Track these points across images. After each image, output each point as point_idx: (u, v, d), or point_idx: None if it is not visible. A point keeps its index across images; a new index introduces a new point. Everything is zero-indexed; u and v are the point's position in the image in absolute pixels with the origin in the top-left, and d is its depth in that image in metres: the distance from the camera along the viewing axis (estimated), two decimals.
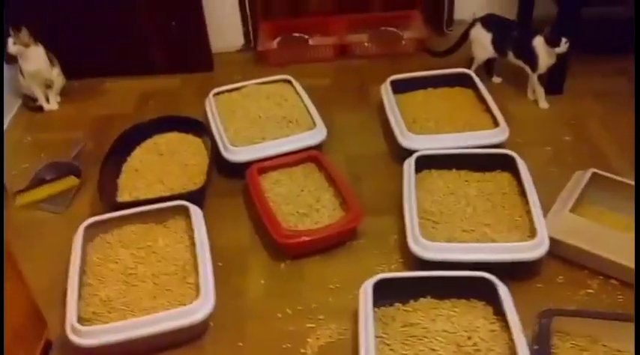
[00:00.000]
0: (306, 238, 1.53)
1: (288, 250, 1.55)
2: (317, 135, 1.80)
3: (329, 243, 1.57)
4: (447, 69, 2.02)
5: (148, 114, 2.09)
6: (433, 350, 1.23)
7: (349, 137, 1.93)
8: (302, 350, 1.36)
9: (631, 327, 1.22)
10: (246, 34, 2.40)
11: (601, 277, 1.43)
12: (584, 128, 1.90)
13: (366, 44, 2.30)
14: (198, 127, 1.94)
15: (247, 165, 1.75)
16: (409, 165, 1.64)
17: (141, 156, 1.89)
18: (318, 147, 1.81)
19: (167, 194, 1.71)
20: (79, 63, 2.28)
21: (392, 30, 2.38)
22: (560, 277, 1.45)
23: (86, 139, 2.02)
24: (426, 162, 1.67)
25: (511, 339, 1.22)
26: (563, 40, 1.84)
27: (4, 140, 2.05)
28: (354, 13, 2.38)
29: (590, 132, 1.88)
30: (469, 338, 1.24)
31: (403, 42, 2.31)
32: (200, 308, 1.35)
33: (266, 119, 1.88)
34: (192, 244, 1.56)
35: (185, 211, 1.62)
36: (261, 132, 1.83)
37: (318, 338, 1.38)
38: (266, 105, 1.93)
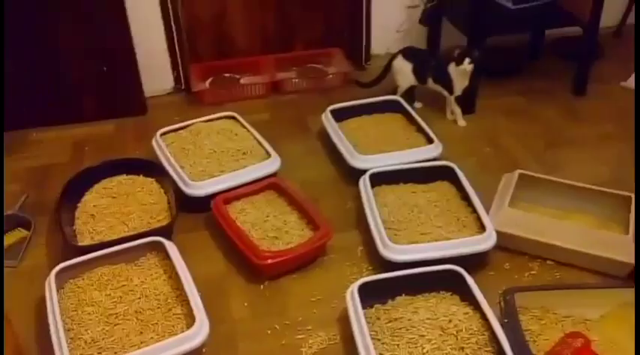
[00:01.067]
0: (285, 257, 1.68)
1: (267, 271, 1.69)
2: (273, 163, 1.97)
3: (304, 261, 1.73)
4: (375, 97, 2.28)
5: (86, 161, 2.15)
6: (422, 336, 1.43)
7: (299, 165, 2.11)
8: None
9: (573, 295, 1.51)
10: (176, 77, 2.53)
11: (539, 260, 1.72)
12: (499, 140, 2.23)
13: (295, 80, 2.52)
14: (149, 167, 2.03)
15: (208, 199, 1.87)
16: (364, 182, 1.86)
17: (93, 201, 1.94)
18: (274, 175, 1.98)
19: (133, 234, 1.77)
20: (5, 114, 2.27)
21: (317, 66, 2.62)
22: (507, 264, 1.72)
23: (27, 191, 2.04)
24: (377, 179, 1.89)
25: (484, 318, 1.45)
26: (467, 59, 2.16)
27: None
28: (280, 52, 2.60)
29: (504, 143, 2.21)
30: (450, 321, 1.45)
31: (329, 76, 2.55)
32: (198, 333, 1.45)
33: (221, 153, 2.02)
34: (170, 278, 1.65)
35: (156, 247, 1.71)
36: (219, 166, 1.97)
37: (310, 347, 1.53)
38: (217, 140, 2.07)
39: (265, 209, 1.86)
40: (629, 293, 1.50)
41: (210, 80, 2.56)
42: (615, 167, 2.07)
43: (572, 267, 1.68)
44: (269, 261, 1.66)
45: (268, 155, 2.00)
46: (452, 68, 2.20)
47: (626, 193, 1.76)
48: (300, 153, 2.17)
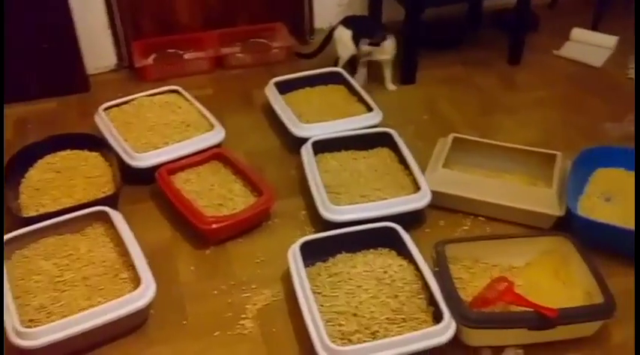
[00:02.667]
0: (229, 222, 1.80)
1: (212, 236, 1.82)
2: (217, 134, 2.09)
3: (248, 225, 1.86)
4: (319, 69, 2.42)
5: (30, 138, 2.22)
6: (359, 286, 1.58)
7: (244, 136, 2.24)
8: (243, 316, 1.63)
9: (500, 245, 1.67)
10: (118, 54, 2.62)
11: (472, 216, 1.89)
12: (437, 108, 2.39)
13: (239, 55, 2.63)
14: (93, 142, 2.12)
15: (152, 170, 1.98)
16: (307, 149, 2.00)
17: (37, 176, 2.03)
18: (218, 146, 2.09)
19: (78, 204, 1.86)
20: None
21: (261, 41, 2.73)
22: (442, 221, 1.88)
23: None
24: (319, 147, 2.03)
25: (417, 269, 1.61)
26: (365, 41, 2.33)
27: None
28: (223, 28, 2.70)
29: (441, 111, 2.38)
30: (385, 272, 1.61)
31: (273, 50, 2.67)
32: (143, 295, 1.56)
33: (164, 125, 2.13)
34: (117, 245, 1.76)
35: (102, 217, 1.81)
36: (163, 138, 2.08)
37: (255, 304, 1.66)
38: (161, 113, 2.18)
39: (210, 179, 1.99)
40: (551, 242, 1.68)
41: (153, 56, 2.65)
42: (545, 130, 2.26)
43: (502, 222, 1.85)
44: (213, 226, 1.79)
45: (212, 126, 2.11)
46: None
47: (551, 151, 1.93)
48: (244, 125, 2.30)
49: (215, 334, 1.57)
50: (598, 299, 1.50)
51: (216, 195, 1.92)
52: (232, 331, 1.58)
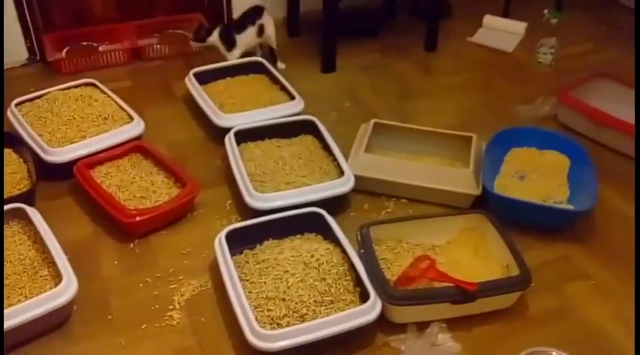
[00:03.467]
0: (152, 214, 1.77)
1: (136, 229, 1.78)
2: (136, 127, 2.05)
3: (173, 217, 1.84)
4: (239, 59, 2.41)
5: None
6: (286, 271, 1.59)
7: (165, 128, 2.20)
8: (170, 307, 1.61)
9: (422, 224, 1.72)
10: (30, 48, 2.51)
11: (394, 199, 1.93)
12: (358, 95, 2.43)
13: (157, 46, 2.58)
14: (5, 138, 2.02)
15: (70, 165, 1.92)
16: (229, 139, 1.98)
17: None
18: (138, 139, 2.05)
19: None
20: None
21: (179, 32, 2.70)
22: (366, 205, 1.92)
23: None
24: (243, 136, 2.03)
25: (344, 252, 1.64)
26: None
27: None
28: (139, 19, 2.65)
29: (363, 97, 2.42)
30: (312, 256, 1.62)
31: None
32: (65, 291, 1.52)
33: (81, 119, 2.06)
34: (35, 242, 1.70)
35: (18, 214, 1.75)
36: (80, 132, 2.02)
37: (182, 295, 1.65)
38: (77, 106, 2.11)
39: (131, 171, 1.95)
40: (470, 220, 1.75)
41: (66, 49, 2.56)
42: (461, 113, 2.34)
43: (423, 203, 1.91)
44: (137, 219, 1.76)
45: (131, 119, 2.07)
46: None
47: (467, 134, 2.00)
48: (165, 117, 2.26)
49: (142, 327, 1.55)
50: (515, 271, 1.57)
51: (138, 188, 1.88)
52: (160, 323, 1.56)
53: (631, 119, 2.10)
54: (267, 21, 2.50)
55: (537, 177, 1.95)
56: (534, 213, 1.81)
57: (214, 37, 2.41)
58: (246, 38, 2.44)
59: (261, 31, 2.47)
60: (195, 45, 2.45)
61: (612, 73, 2.39)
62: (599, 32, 2.90)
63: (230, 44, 2.41)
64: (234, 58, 2.42)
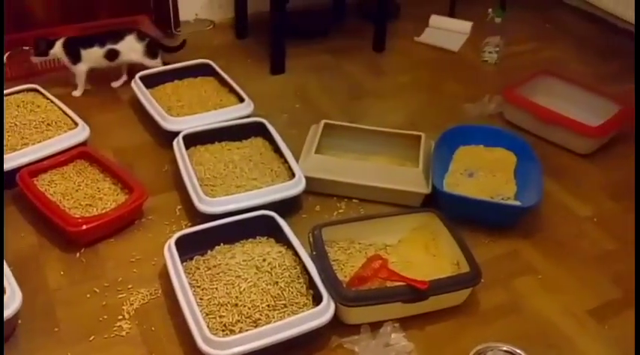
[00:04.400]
0: (99, 221, 1.73)
1: (82, 238, 1.73)
2: (81, 133, 1.99)
3: (120, 224, 1.79)
4: (186, 62, 2.36)
5: None
6: (238, 276, 1.57)
7: (111, 133, 2.15)
8: (119, 317, 1.57)
9: (374, 225, 1.72)
10: None
11: (346, 199, 1.93)
12: (308, 96, 2.42)
13: None
14: None
15: (12, 174, 1.85)
16: (178, 143, 1.95)
17: None
18: (83, 145, 1.99)
19: None
20: None
21: None
22: (317, 206, 1.91)
23: None
24: (192, 140, 1.99)
25: (296, 254, 1.63)
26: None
27: None
28: (82, 22, 2.56)
29: (312, 99, 2.41)
30: (264, 260, 1.61)
31: None
32: (8, 304, 1.46)
33: (23, 126, 1.99)
34: None
35: None
36: (22, 139, 1.95)
37: (132, 304, 1.61)
38: (18, 113, 2.04)
39: (76, 179, 1.89)
40: (421, 218, 1.76)
41: (7, 54, 2.45)
42: (409, 113, 2.35)
43: (374, 203, 1.91)
44: (83, 227, 1.70)
45: (75, 125, 2.01)
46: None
47: (416, 133, 2.02)
48: (111, 123, 2.21)
49: (90, 339, 1.50)
50: (465, 268, 1.59)
51: (84, 196, 1.83)
52: (109, 334, 1.52)
53: (574, 115, 2.16)
54: (128, 48, 2.33)
55: (485, 174, 1.98)
56: (483, 210, 1.84)
57: (57, 49, 2.28)
58: (93, 56, 2.30)
59: (112, 55, 2.31)
60: (37, 60, 2.32)
61: (556, 70, 2.45)
62: (543, 31, 2.96)
63: (75, 58, 2.28)
64: (81, 73, 2.30)
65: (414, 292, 1.51)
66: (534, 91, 2.30)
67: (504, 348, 1.48)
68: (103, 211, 1.78)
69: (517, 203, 1.87)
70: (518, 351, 1.47)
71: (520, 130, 2.23)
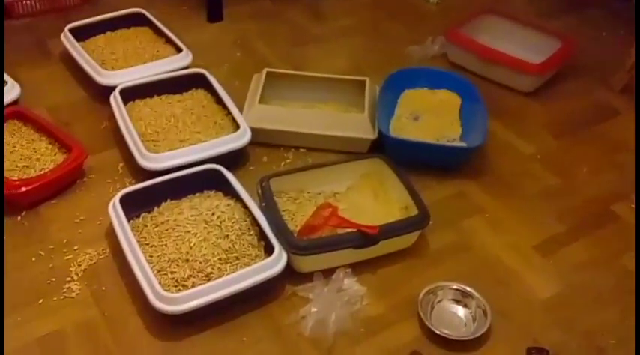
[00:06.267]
0: (38, 183, 1.70)
1: (22, 200, 1.71)
2: (12, 91, 1.94)
3: (61, 184, 1.77)
4: (120, 11, 2.30)
5: None
6: (188, 231, 1.58)
7: (44, 91, 2.09)
8: (68, 279, 1.57)
9: (322, 173, 1.76)
10: None
11: (293, 149, 1.95)
12: (249, 44, 2.40)
13: (27, 2, 2.40)
14: None
15: None
16: (115, 98, 1.92)
17: None
18: (15, 104, 1.94)
19: None
20: None
21: None
22: (265, 157, 1.92)
23: None
24: (129, 95, 1.96)
25: (245, 206, 1.65)
26: None
27: None
28: None
29: (253, 47, 2.38)
30: (213, 214, 1.63)
31: None
32: None
33: None
34: None
35: None
36: None
37: (80, 265, 1.61)
38: None
39: (10, 140, 1.84)
40: (369, 164, 1.79)
41: None
42: (353, 58, 2.36)
43: (322, 151, 1.93)
44: (22, 190, 1.68)
45: (4, 83, 1.95)
46: None
47: (360, 78, 2.03)
48: (43, 79, 2.15)
49: (39, 302, 1.50)
50: (414, 212, 1.64)
51: (20, 157, 1.79)
52: (58, 296, 1.52)
53: (517, 54, 2.21)
54: None
55: (430, 117, 2.03)
56: (429, 153, 1.89)
57: None
58: None
59: None
60: None
61: (499, 9, 2.48)
62: None
63: None
64: None
65: (364, 238, 1.56)
66: (477, 31, 2.34)
67: (454, 286, 1.56)
68: (42, 172, 1.76)
69: (462, 144, 1.94)
70: (467, 289, 1.55)
71: (464, 71, 2.28)
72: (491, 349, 1.47)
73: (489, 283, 1.60)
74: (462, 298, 1.54)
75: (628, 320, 1.55)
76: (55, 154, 1.82)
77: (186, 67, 2.09)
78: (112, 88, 1.95)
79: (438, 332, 1.45)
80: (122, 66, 2.08)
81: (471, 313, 1.52)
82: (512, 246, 1.72)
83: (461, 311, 1.54)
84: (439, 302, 1.55)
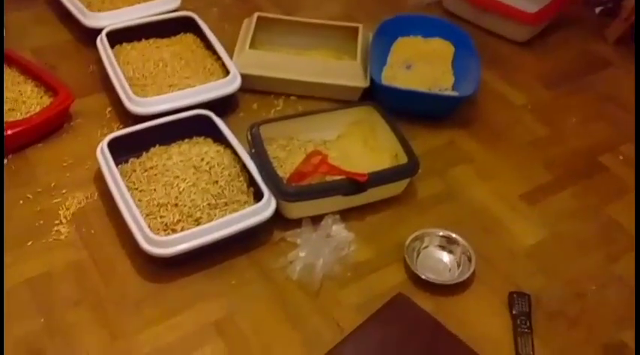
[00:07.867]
0: (24, 126, 1.72)
1: (9, 143, 1.72)
2: None
3: (48, 128, 1.79)
4: None
5: None
6: (177, 177, 1.61)
7: (28, 32, 2.09)
8: (56, 222, 1.60)
9: (312, 120, 1.78)
10: None
11: (283, 96, 1.96)
12: None
13: None
14: None
15: None
16: (101, 41, 1.92)
17: None
18: None
19: None
20: None
21: None
22: (255, 104, 1.94)
23: None
24: (117, 37, 1.96)
25: (234, 152, 1.68)
26: None
27: None
28: None
29: None
30: (202, 159, 1.65)
31: None
32: None
33: None
34: None
35: None
36: None
37: (68, 208, 1.64)
38: None
39: None
40: (359, 112, 1.81)
41: None
42: (345, 3, 2.36)
43: (312, 99, 1.95)
44: (8, 132, 1.70)
45: None
46: None
47: (353, 24, 2.04)
48: (26, 20, 2.14)
49: (28, 244, 1.54)
50: (403, 160, 1.67)
51: (6, 100, 1.80)
52: (47, 239, 1.56)
53: (512, 2, 2.22)
54: None
55: (423, 66, 2.04)
56: (420, 102, 1.92)
57: None
58: None
59: None
60: None
61: None
62: None
63: None
64: None
65: (353, 185, 1.59)
66: None
67: (440, 233, 1.61)
68: (28, 115, 1.77)
69: (454, 93, 1.97)
70: (453, 235, 1.60)
71: (458, 19, 2.29)
72: (473, 293, 1.53)
73: (475, 230, 1.65)
74: (447, 244, 1.60)
75: (610, 266, 1.62)
76: (41, 97, 1.83)
77: (175, 11, 2.09)
78: (99, 31, 1.95)
79: (423, 277, 1.51)
80: (108, 7, 2.07)
81: (455, 259, 1.58)
82: (499, 195, 1.76)
83: (446, 257, 1.59)
84: (425, 248, 1.60)
